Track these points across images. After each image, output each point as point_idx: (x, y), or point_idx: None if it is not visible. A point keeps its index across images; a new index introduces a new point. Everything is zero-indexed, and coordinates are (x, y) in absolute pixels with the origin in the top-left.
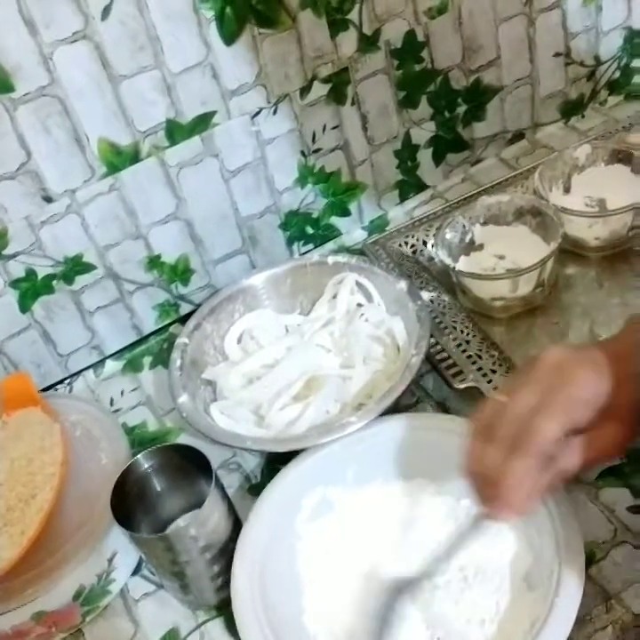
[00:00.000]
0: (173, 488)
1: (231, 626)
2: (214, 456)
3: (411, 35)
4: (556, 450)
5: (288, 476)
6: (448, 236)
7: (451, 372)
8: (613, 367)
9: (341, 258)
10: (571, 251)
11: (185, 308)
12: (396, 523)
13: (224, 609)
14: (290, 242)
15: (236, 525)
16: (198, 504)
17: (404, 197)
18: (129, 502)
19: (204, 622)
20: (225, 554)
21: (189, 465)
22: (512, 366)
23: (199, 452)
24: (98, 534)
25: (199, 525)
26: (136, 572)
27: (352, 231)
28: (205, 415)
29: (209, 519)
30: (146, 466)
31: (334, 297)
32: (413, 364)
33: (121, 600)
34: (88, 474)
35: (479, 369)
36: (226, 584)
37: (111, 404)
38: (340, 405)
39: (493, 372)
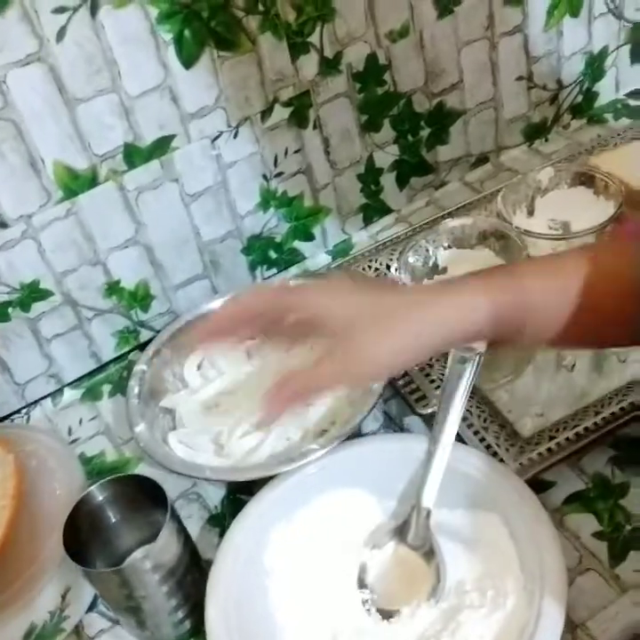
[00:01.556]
0: (128, 520)
1: None
2: (173, 486)
3: (373, 58)
4: None
5: (252, 511)
6: (411, 259)
7: (414, 397)
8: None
9: (303, 282)
10: None
11: (145, 335)
12: (371, 540)
13: None
14: (253, 266)
15: (194, 557)
16: (154, 536)
17: (368, 221)
18: (82, 536)
19: None
20: (182, 587)
21: (145, 496)
22: (475, 389)
23: (154, 483)
24: (50, 569)
25: (154, 558)
26: (91, 608)
27: (316, 255)
28: (163, 444)
29: (165, 551)
30: (100, 498)
31: None
32: (375, 390)
33: (75, 637)
34: (42, 506)
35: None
36: (184, 618)
37: (69, 433)
38: (301, 432)
39: None
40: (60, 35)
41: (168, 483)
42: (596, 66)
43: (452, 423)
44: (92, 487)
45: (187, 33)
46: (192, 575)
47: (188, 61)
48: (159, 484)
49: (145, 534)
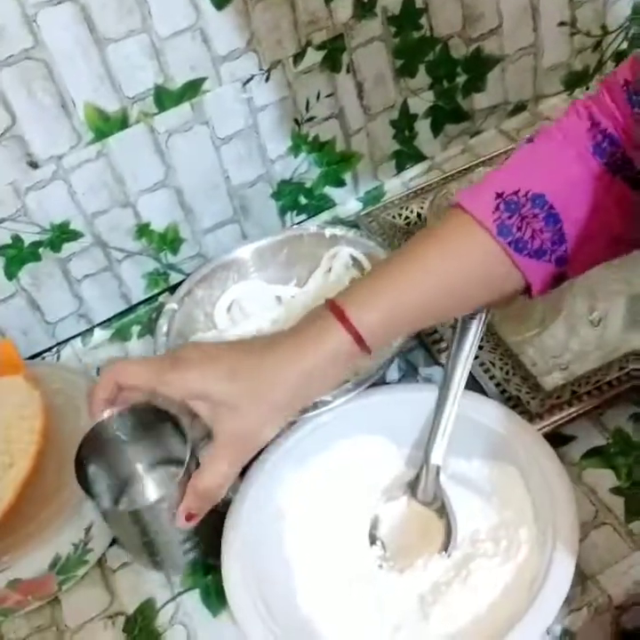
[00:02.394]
0: (141, 445)
1: (206, 597)
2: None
3: (409, 1)
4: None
5: (269, 456)
6: (444, 206)
7: (437, 348)
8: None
9: (338, 231)
10: None
11: (175, 278)
12: (385, 493)
13: (199, 579)
14: (282, 212)
15: None
16: (166, 460)
17: (400, 168)
18: (95, 464)
19: (180, 594)
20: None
21: (161, 425)
22: (500, 342)
23: (175, 417)
24: (74, 503)
25: (171, 499)
26: (114, 542)
27: (347, 202)
28: None
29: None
30: (114, 426)
31: (329, 270)
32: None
33: (99, 570)
34: (68, 442)
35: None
36: (194, 547)
37: (98, 372)
38: None
39: (479, 348)
40: None
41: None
42: None
43: (459, 379)
44: (105, 415)
45: None
46: (207, 518)
47: (219, 2)
48: (180, 420)
49: (157, 457)
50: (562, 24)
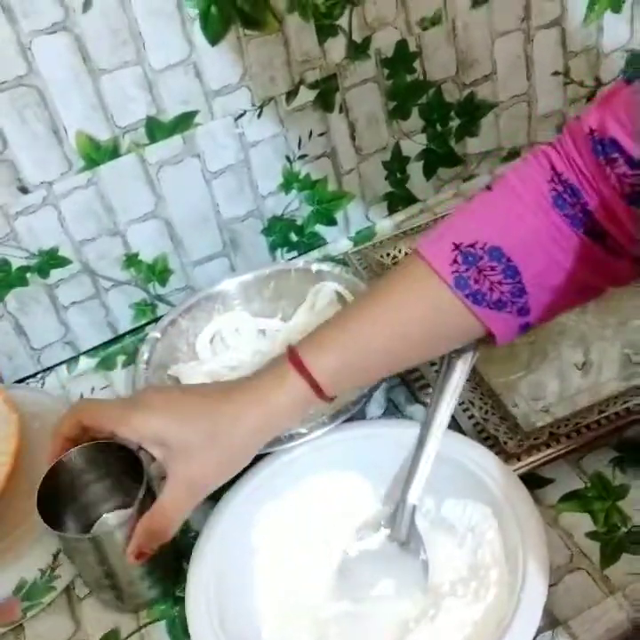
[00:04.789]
0: (106, 485)
1: (172, 629)
2: None
3: (402, 44)
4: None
5: (242, 488)
6: None
7: (417, 385)
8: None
9: (325, 266)
10: None
11: (162, 309)
12: (359, 530)
13: (165, 611)
14: (273, 248)
15: None
16: (128, 495)
17: (392, 210)
18: (60, 499)
19: (145, 625)
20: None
21: (123, 461)
22: (482, 381)
23: (132, 451)
24: (43, 528)
25: (129, 526)
26: None
27: (338, 241)
28: None
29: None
30: (78, 462)
31: (314, 306)
32: None
33: (65, 597)
34: (40, 466)
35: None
36: (156, 583)
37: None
38: None
39: None
40: (87, 5)
41: None
42: (636, 64)
43: (441, 420)
44: (71, 451)
45: (213, 9)
46: (166, 548)
47: (213, 38)
48: (135, 451)
49: (123, 500)
50: (556, 73)
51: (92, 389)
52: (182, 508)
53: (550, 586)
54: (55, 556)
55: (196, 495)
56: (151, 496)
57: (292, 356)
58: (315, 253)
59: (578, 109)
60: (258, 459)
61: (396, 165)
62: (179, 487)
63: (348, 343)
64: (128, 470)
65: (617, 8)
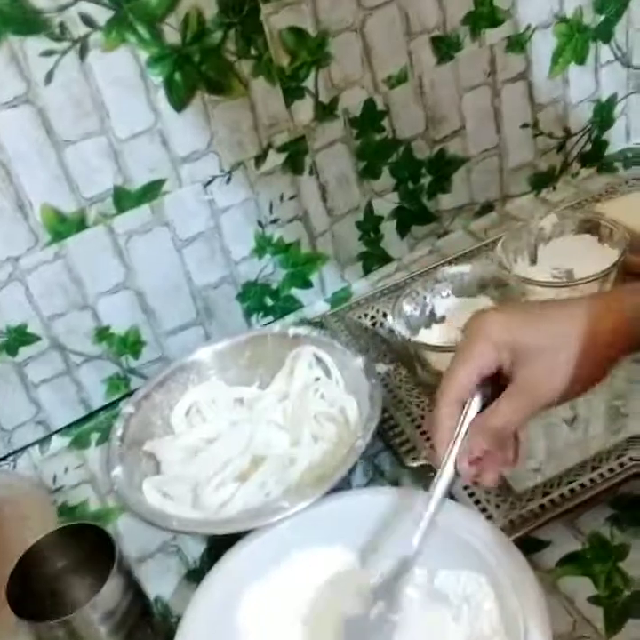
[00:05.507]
0: (80, 571)
1: None
2: (153, 538)
3: (370, 103)
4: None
5: (225, 568)
6: (406, 307)
7: (403, 450)
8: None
9: (302, 330)
10: None
11: (136, 382)
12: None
13: None
14: (248, 313)
15: (145, 610)
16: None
17: (367, 270)
18: (32, 587)
19: None
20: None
21: (92, 545)
22: None
23: (105, 533)
24: (14, 621)
25: (101, 609)
26: None
27: (314, 303)
28: (139, 491)
29: (110, 602)
30: (50, 548)
31: (293, 371)
32: (358, 446)
33: None
34: (10, 552)
35: (433, 446)
36: None
37: (54, 481)
38: (283, 487)
39: None
40: (49, 77)
41: (148, 534)
42: (604, 114)
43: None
44: (41, 537)
45: (177, 76)
46: (142, 631)
47: (178, 105)
48: (108, 533)
49: (95, 582)
50: (525, 126)
51: (66, 469)
52: (519, 411)
53: None
54: None
55: (534, 402)
56: (123, 574)
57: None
58: (291, 317)
59: (549, 160)
60: (239, 536)
61: (370, 225)
62: (517, 391)
63: None
64: (98, 552)
65: (581, 60)
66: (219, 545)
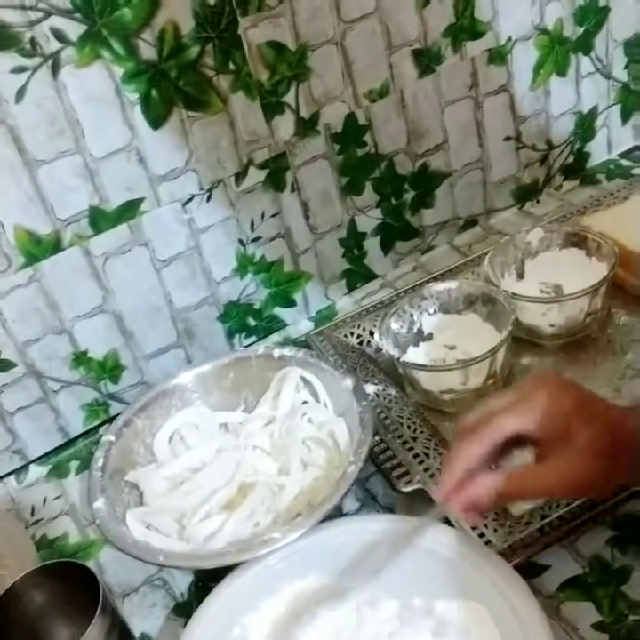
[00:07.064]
0: (63, 612)
1: None
2: (139, 571)
3: (351, 118)
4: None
5: (213, 602)
6: (393, 325)
7: (396, 474)
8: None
9: (287, 351)
10: (526, 339)
11: (116, 408)
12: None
13: None
14: (230, 334)
15: None
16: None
17: (351, 287)
18: (10, 630)
19: None
20: None
21: (81, 585)
22: None
23: (89, 571)
24: None
25: None
26: None
27: (298, 322)
28: (122, 523)
29: None
30: (29, 590)
31: (279, 394)
32: (350, 472)
33: None
34: None
35: (426, 469)
36: None
37: (32, 513)
38: (272, 516)
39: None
40: (20, 95)
41: (132, 567)
42: (586, 126)
43: None
44: (18, 578)
45: (154, 93)
46: None
47: (155, 122)
48: (92, 571)
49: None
50: (507, 139)
51: (45, 500)
52: (562, 485)
53: None
54: None
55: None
56: (108, 615)
57: None
58: (274, 337)
59: (532, 173)
60: (231, 568)
61: (353, 242)
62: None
63: None
64: (80, 589)
65: (562, 72)
66: (207, 576)
